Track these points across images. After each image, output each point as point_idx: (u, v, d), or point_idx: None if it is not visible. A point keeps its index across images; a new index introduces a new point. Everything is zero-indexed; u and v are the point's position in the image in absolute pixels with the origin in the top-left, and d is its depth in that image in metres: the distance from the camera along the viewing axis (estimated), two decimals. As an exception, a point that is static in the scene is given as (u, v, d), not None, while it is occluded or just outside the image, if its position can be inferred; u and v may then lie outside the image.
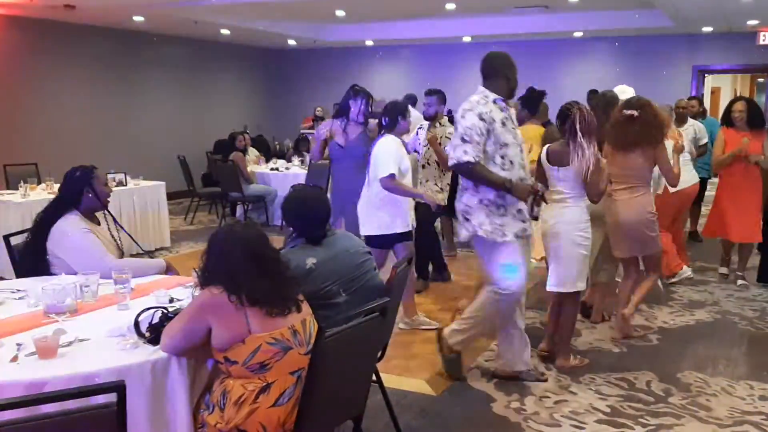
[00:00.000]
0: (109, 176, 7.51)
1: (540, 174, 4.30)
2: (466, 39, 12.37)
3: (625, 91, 6.41)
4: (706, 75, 12.22)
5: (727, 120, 6.27)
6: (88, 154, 7.58)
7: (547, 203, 4.06)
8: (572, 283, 4.24)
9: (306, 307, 2.53)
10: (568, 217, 4.16)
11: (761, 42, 10.56)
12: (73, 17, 9.70)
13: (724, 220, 6.25)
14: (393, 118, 4.75)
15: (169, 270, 3.64)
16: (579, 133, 4.02)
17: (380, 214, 4.73)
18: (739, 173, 6.11)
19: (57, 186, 3.90)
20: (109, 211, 3.78)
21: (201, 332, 2.38)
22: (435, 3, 8.78)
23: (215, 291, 2.37)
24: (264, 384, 2.38)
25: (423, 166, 6.11)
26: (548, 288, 4.35)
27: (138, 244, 4.64)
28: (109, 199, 3.77)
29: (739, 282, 6.30)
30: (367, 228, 4.81)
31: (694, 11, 9.18)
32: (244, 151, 9.78)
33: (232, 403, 2.37)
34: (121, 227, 3.88)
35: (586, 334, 5.01)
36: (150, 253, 7.38)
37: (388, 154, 4.62)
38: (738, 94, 13.78)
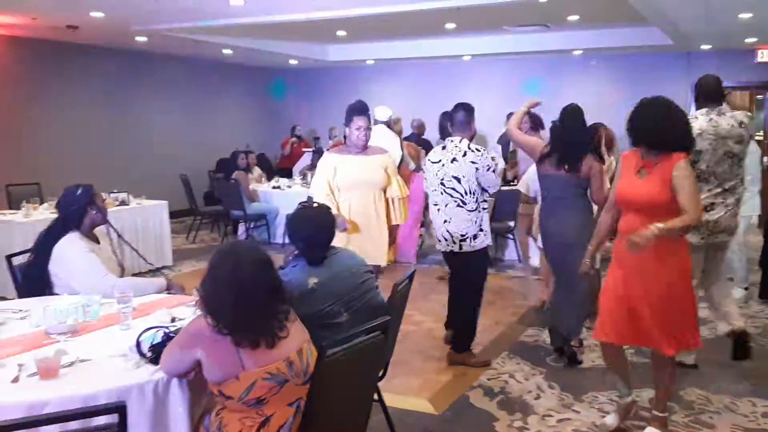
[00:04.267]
0: (112, 195, 7.54)
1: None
2: (466, 57, 12.45)
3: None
4: (705, 91, 12.28)
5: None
6: (91, 174, 7.61)
7: None
8: None
9: (302, 333, 2.45)
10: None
11: (759, 59, 10.61)
12: (76, 38, 9.79)
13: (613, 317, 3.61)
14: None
15: (170, 288, 3.64)
16: (603, 148, 4.98)
17: None
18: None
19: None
20: (113, 227, 3.79)
21: (189, 361, 2.33)
22: (435, 22, 8.85)
23: (210, 321, 2.29)
24: (263, 418, 2.33)
25: None
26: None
27: (144, 258, 4.66)
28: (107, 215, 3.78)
29: None
30: None
31: (693, 29, 9.24)
32: (248, 170, 9.83)
33: None
34: (127, 242, 3.90)
35: (588, 352, 5.00)
36: (157, 269, 7.39)
37: None
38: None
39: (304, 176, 10.34)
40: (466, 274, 4.82)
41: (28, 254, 3.66)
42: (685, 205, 3.28)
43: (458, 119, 4.79)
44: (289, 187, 9.84)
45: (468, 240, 4.65)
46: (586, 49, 11.69)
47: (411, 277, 3.63)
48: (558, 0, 7.37)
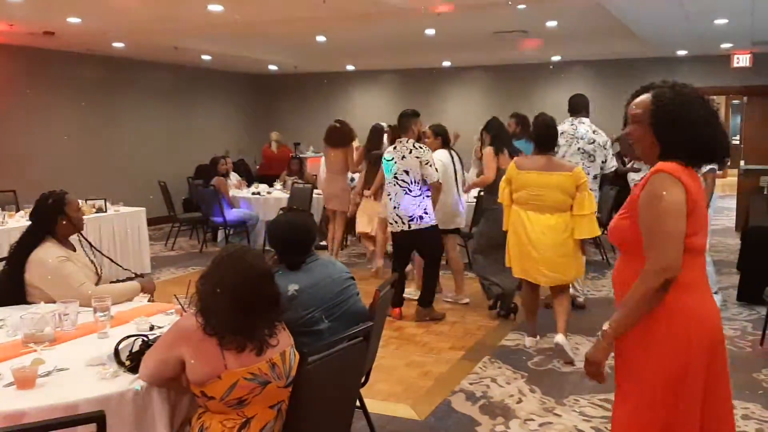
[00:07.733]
0: (89, 202, 7.45)
1: None
2: (446, 64, 12.49)
3: None
4: (682, 97, 12.45)
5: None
6: (68, 181, 7.52)
7: None
8: None
9: (286, 338, 2.46)
10: None
11: (735, 65, 10.76)
12: (54, 44, 9.68)
13: None
14: None
15: (143, 290, 3.61)
16: None
17: None
18: None
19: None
20: (84, 236, 3.73)
21: (173, 361, 2.31)
22: (415, 28, 8.86)
23: (200, 320, 2.29)
24: (243, 420, 2.32)
25: None
26: None
27: (119, 265, 4.58)
28: (83, 222, 3.72)
29: None
30: None
31: (670, 36, 9.35)
32: (226, 176, 9.76)
33: None
34: (99, 250, 3.81)
35: (569, 355, 5.01)
36: (135, 275, 7.28)
37: None
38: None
39: (284, 182, 10.30)
40: (423, 248, 5.93)
41: (2, 262, 3.60)
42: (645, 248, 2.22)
43: (403, 123, 5.91)
44: (269, 193, 9.79)
45: (415, 219, 5.68)
46: (565, 56, 11.80)
47: (393, 284, 3.62)
48: (537, 6, 7.41)
